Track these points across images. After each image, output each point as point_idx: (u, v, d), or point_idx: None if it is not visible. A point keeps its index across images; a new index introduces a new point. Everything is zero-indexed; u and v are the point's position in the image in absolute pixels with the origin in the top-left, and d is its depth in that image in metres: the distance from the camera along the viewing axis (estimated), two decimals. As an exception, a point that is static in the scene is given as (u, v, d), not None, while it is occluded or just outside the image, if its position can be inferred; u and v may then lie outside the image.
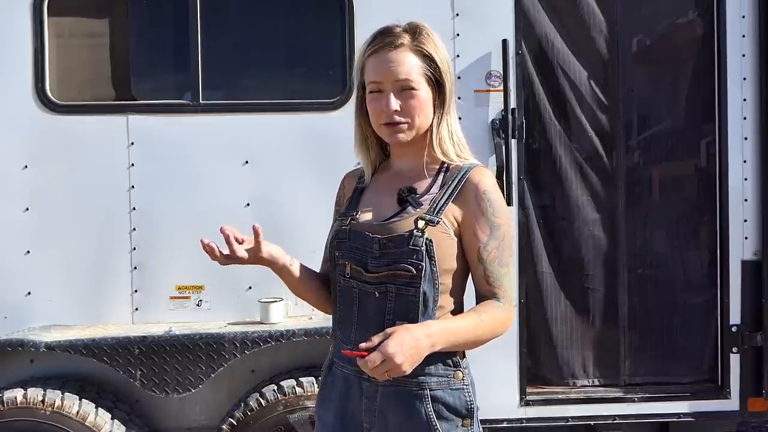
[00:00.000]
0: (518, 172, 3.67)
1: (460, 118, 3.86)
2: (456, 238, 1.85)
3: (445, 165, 1.92)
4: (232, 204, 3.62)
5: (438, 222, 1.83)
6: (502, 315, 1.84)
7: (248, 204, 3.65)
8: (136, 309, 3.65)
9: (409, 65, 1.85)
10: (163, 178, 3.63)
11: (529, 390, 3.73)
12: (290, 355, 3.67)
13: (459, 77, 3.62)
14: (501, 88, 3.63)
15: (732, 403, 3.78)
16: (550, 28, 3.75)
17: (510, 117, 3.61)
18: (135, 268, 3.64)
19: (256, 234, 1.89)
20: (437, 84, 1.89)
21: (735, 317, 3.77)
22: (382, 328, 1.74)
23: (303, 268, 2.02)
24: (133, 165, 3.63)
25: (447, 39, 3.60)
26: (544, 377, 3.84)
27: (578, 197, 3.80)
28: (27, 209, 3.59)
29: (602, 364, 3.85)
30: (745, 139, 3.75)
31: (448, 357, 1.85)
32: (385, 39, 1.87)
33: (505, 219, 1.87)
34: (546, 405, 3.74)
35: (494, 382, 3.57)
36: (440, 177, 1.91)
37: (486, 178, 1.88)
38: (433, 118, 1.90)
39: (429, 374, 1.84)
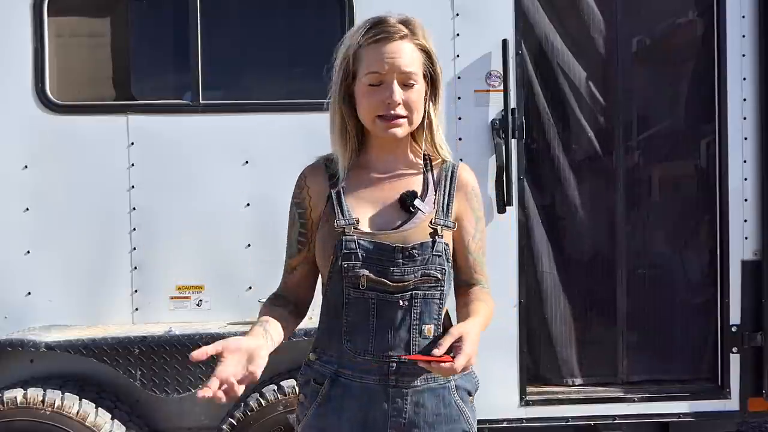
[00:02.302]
0: (518, 172, 3.67)
1: (459, 118, 3.86)
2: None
3: (428, 161, 1.93)
4: (232, 204, 3.63)
5: (454, 226, 1.88)
6: (492, 300, 1.93)
7: (248, 204, 3.64)
8: (136, 309, 3.65)
9: (412, 58, 1.84)
10: (163, 178, 3.63)
11: (529, 390, 3.73)
12: (290, 355, 3.66)
13: (459, 77, 3.62)
14: (501, 88, 3.63)
15: (732, 403, 3.78)
16: (550, 28, 3.76)
17: (510, 117, 3.61)
18: (135, 268, 3.64)
19: (249, 375, 1.81)
20: (431, 79, 1.88)
21: (735, 317, 3.77)
22: (408, 334, 1.80)
23: (275, 325, 1.86)
24: (133, 165, 3.62)
25: (447, 39, 3.61)
26: (544, 377, 3.84)
27: (578, 197, 3.80)
28: (27, 209, 3.59)
29: (602, 364, 3.85)
30: (745, 139, 3.75)
31: None
32: (384, 28, 1.85)
33: (483, 210, 1.98)
34: (546, 405, 3.74)
35: (494, 382, 3.56)
36: (429, 175, 1.92)
37: (472, 175, 1.97)
38: (428, 114, 1.89)
39: None
